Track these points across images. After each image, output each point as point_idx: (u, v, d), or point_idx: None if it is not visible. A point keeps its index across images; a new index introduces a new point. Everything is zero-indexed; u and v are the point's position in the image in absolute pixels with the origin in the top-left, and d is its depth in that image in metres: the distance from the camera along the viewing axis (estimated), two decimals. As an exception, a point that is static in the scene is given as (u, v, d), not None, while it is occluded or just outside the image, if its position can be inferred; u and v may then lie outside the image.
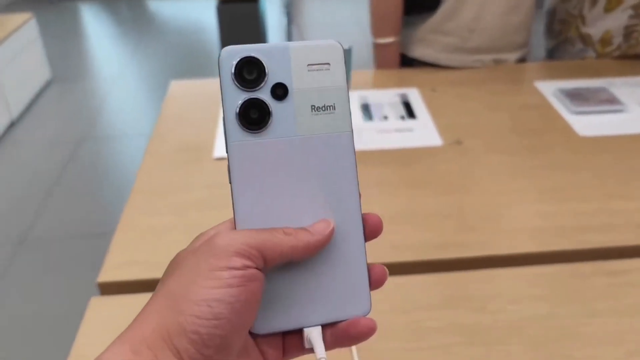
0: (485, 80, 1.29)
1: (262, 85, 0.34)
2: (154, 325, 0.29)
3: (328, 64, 0.35)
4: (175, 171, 1.02)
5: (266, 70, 0.34)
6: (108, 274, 0.80)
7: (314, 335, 0.34)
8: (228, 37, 2.30)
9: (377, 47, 1.33)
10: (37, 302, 1.79)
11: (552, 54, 1.48)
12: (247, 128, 0.34)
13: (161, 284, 0.32)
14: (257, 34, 2.28)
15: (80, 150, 2.65)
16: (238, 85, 0.34)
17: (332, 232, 0.34)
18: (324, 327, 0.35)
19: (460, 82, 1.29)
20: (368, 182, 0.97)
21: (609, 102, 1.16)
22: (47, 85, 3.27)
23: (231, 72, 0.33)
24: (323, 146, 0.34)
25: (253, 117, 0.34)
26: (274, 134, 0.34)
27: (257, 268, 0.31)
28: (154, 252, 0.83)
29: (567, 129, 1.10)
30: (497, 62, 1.35)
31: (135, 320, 0.30)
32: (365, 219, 0.36)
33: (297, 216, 0.34)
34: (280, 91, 0.34)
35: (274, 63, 0.34)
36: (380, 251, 0.82)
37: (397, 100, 1.21)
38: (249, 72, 0.34)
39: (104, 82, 3.42)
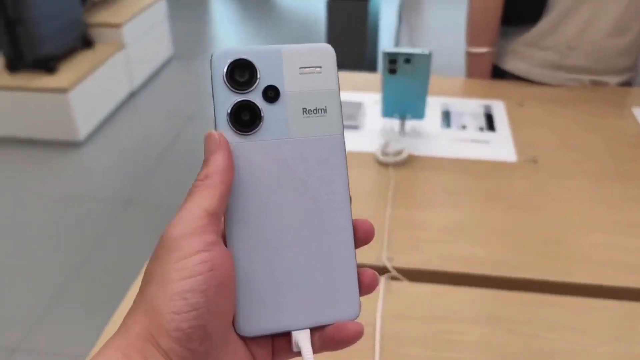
0: (577, 101, 1.23)
1: (253, 87, 0.34)
2: (137, 331, 0.29)
3: (320, 67, 0.35)
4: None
5: (258, 73, 0.34)
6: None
7: (302, 338, 0.34)
8: (335, 33, 2.34)
9: (470, 56, 1.31)
10: (134, 261, 1.94)
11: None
12: (238, 130, 0.34)
13: (138, 294, 0.31)
14: (364, 33, 2.31)
15: (189, 125, 2.81)
16: (230, 87, 0.34)
17: (224, 141, 0.33)
18: (313, 329, 0.34)
19: (551, 99, 1.24)
20: (434, 188, 0.97)
21: None
22: (168, 62, 3.50)
23: (223, 74, 0.34)
24: (314, 148, 0.35)
25: (244, 119, 0.34)
26: (265, 136, 0.34)
27: (220, 234, 0.32)
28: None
29: (659, 161, 1.03)
30: (596, 83, 1.27)
31: (118, 330, 0.30)
32: (356, 225, 0.35)
33: (286, 216, 0.34)
34: (271, 93, 0.34)
35: (266, 66, 0.34)
36: (429, 258, 0.82)
37: (480, 111, 1.19)
38: (241, 74, 0.34)
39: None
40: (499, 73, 1.33)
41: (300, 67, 0.35)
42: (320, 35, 3.99)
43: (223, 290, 0.31)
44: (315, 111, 0.35)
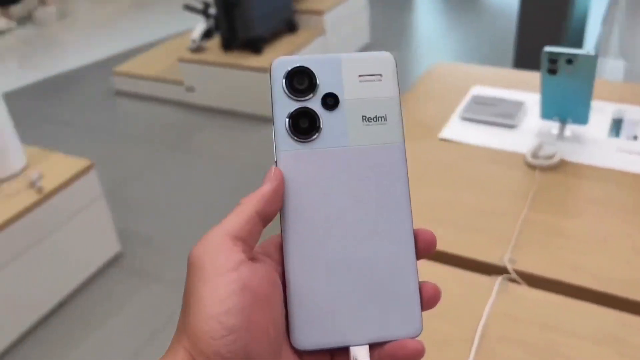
0: None
1: (312, 95, 0.34)
2: (182, 355, 0.29)
3: (380, 74, 0.35)
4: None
5: (317, 80, 0.34)
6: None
7: (361, 354, 0.33)
8: (526, 28, 2.23)
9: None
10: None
11: None
12: (297, 138, 0.34)
13: (180, 315, 0.31)
14: (558, 31, 2.16)
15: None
16: (289, 94, 0.34)
17: (279, 175, 0.33)
18: (372, 346, 0.33)
19: None
20: (581, 196, 0.92)
21: None
22: (365, 49, 3.63)
23: (282, 82, 0.34)
24: (374, 157, 0.34)
25: (303, 127, 0.34)
26: (324, 144, 0.34)
27: (247, 256, 0.31)
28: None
29: None
30: None
31: (166, 353, 0.30)
32: (417, 234, 0.34)
33: (344, 227, 0.34)
34: (330, 101, 0.34)
35: (325, 73, 0.34)
36: (557, 267, 0.79)
37: (660, 123, 1.07)
38: (300, 81, 0.34)
39: (413, 52, 3.64)
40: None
41: (360, 75, 0.35)
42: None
43: (260, 307, 0.30)
44: (375, 119, 0.34)
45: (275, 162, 0.34)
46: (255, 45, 2.83)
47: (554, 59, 0.94)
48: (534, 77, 1.40)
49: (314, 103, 0.34)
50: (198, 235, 0.32)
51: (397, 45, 3.76)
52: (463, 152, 1.07)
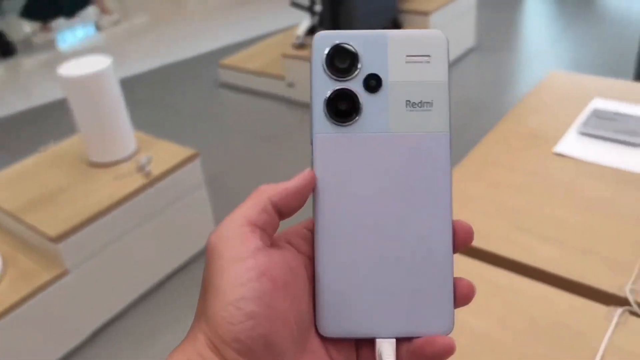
0: None
1: (354, 75, 0.32)
2: (202, 340, 0.28)
3: (429, 56, 0.32)
4: (509, 152, 1.07)
5: (360, 59, 0.32)
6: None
7: (386, 347, 0.31)
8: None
9: None
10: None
11: None
12: (335, 120, 0.32)
13: (199, 299, 0.30)
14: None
15: (478, 115, 2.83)
16: (329, 73, 0.32)
17: (308, 177, 0.32)
18: (400, 341, 0.32)
19: None
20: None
21: None
22: (468, 53, 3.52)
23: (322, 59, 0.32)
24: (416, 146, 0.32)
25: (342, 109, 0.32)
26: (364, 129, 0.32)
27: (267, 244, 0.30)
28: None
29: None
30: None
31: (186, 336, 0.30)
32: (455, 227, 0.32)
33: (379, 215, 0.32)
34: (373, 82, 0.32)
35: (369, 52, 0.32)
36: (596, 274, 0.72)
37: None
38: (342, 60, 0.32)
39: (521, 58, 3.49)
40: None
41: (407, 56, 0.32)
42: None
43: (280, 295, 0.29)
44: (420, 105, 0.32)
45: (311, 142, 0.33)
46: (357, 44, 2.82)
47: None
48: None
49: (356, 84, 0.32)
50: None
51: (503, 50, 3.62)
52: (580, 168, 1.00)
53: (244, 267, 0.29)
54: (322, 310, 0.32)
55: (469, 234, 0.33)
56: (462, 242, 0.32)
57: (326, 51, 0.32)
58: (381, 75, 0.32)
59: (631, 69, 2.41)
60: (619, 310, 0.72)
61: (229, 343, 0.28)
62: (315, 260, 0.32)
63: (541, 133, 1.11)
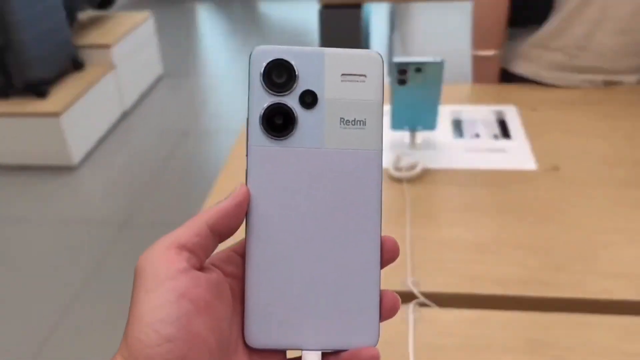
0: (592, 102, 1.19)
1: (290, 90, 0.32)
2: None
3: (364, 75, 0.32)
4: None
5: (297, 75, 0.32)
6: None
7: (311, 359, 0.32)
8: (329, 41, 2.30)
9: (476, 60, 1.26)
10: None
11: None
12: (270, 133, 0.32)
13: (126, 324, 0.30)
14: (358, 40, 2.26)
15: (182, 142, 2.76)
16: (266, 87, 0.32)
17: (243, 193, 0.32)
18: (328, 355, 0.33)
19: (565, 102, 1.19)
20: (453, 203, 0.92)
21: None
22: (158, 80, 3.44)
23: (260, 73, 0.32)
24: (348, 162, 0.32)
25: (277, 123, 0.32)
26: (298, 143, 0.32)
27: (192, 266, 0.30)
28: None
29: (685, 162, 0.98)
30: (610, 83, 1.23)
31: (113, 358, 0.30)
32: (382, 243, 0.33)
33: (309, 229, 0.32)
34: (309, 99, 0.32)
35: (306, 68, 0.32)
36: (458, 280, 0.76)
37: (492, 118, 1.14)
38: (279, 75, 0.32)
39: (210, 79, 3.55)
40: (506, 77, 1.29)
41: (343, 74, 0.32)
42: (309, 45, 3.95)
43: (200, 317, 0.29)
44: (353, 122, 0.32)
45: (246, 155, 0.33)
46: (38, 89, 2.49)
47: (403, 69, 0.93)
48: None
49: (292, 99, 0.32)
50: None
51: (192, 72, 3.64)
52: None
53: (163, 289, 0.29)
54: (250, 320, 0.32)
55: (394, 249, 0.33)
56: (390, 257, 0.33)
57: (264, 65, 0.32)
58: (317, 92, 0.32)
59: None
60: (410, 305, 0.73)
61: None
62: (245, 271, 0.33)
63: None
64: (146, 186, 2.43)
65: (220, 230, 0.32)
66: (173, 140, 2.78)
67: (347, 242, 0.33)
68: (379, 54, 0.33)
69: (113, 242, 2.09)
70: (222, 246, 0.35)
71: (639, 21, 1.14)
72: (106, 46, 2.84)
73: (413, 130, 1.04)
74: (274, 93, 0.32)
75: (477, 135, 1.08)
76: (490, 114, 1.15)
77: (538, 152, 1.02)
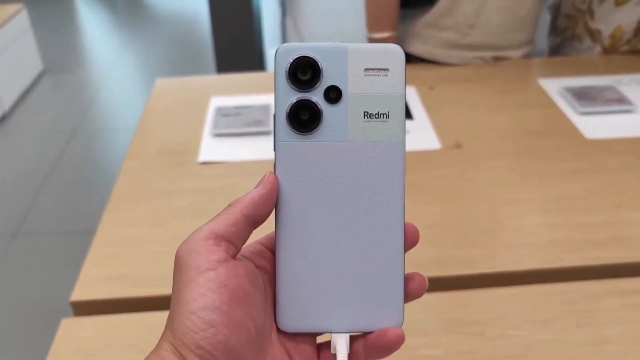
0: (485, 78, 1.23)
1: (315, 86, 0.33)
2: (166, 347, 0.30)
3: (387, 69, 0.34)
4: (157, 176, 0.97)
5: (321, 72, 0.33)
6: (82, 292, 0.74)
7: (339, 342, 0.34)
8: (219, 27, 2.23)
9: (372, 42, 1.27)
10: (22, 300, 1.74)
11: (556, 52, 1.41)
12: (296, 129, 0.33)
13: (169, 312, 0.32)
14: (250, 25, 2.21)
15: (72, 142, 2.59)
16: (291, 84, 0.33)
17: (272, 181, 0.34)
18: (356, 337, 0.35)
19: (460, 79, 1.23)
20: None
21: (618, 101, 1.10)
22: (40, 77, 3.20)
23: (285, 71, 0.33)
24: (373, 154, 0.34)
25: (303, 119, 0.33)
26: (324, 138, 0.34)
27: (231, 255, 0.32)
28: (132, 267, 0.78)
29: (573, 130, 1.04)
30: (499, 59, 1.28)
31: (154, 348, 0.31)
32: (406, 228, 0.35)
33: (336, 219, 0.34)
34: (333, 94, 0.33)
35: (330, 64, 0.33)
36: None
37: (394, 100, 1.15)
38: (303, 72, 0.33)
39: (97, 73, 3.35)
40: (403, 58, 1.30)
41: (366, 69, 0.33)
42: (199, 33, 3.83)
43: (239, 305, 0.31)
44: (377, 116, 0.34)
45: (274, 150, 0.34)
46: None
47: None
48: (263, 77, 1.37)
49: (317, 95, 0.34)
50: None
51: (75, 67, 3.41)
52: (228, 171, 0.97)
53: (205, 279, 0.31)
54: (282, 306, 0.34)
55: (415, 234, 0.35)
56: (412, 242, 0.35)
57: (289, 63, 0.33)
58: (341, 87, 0.34)
59: (209, 62, 2.56)
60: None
61: (192, 349, 0.30)
62: (277, 259, 0.34)
63: (179, 146, 1.03)
64: (36, 192, 2.25)
65: (254, 218, 0.33)
66: (62, 139, 2.60)
67: (373, 229, 0.34)
68: (401, 48, 0.34)
69: (2, 256, 1.93)
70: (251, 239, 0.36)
71: None
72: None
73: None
74: (300, 89, 0.33)
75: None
76: (391, 96, 1.16)
77: (440, 130, 1.04)
